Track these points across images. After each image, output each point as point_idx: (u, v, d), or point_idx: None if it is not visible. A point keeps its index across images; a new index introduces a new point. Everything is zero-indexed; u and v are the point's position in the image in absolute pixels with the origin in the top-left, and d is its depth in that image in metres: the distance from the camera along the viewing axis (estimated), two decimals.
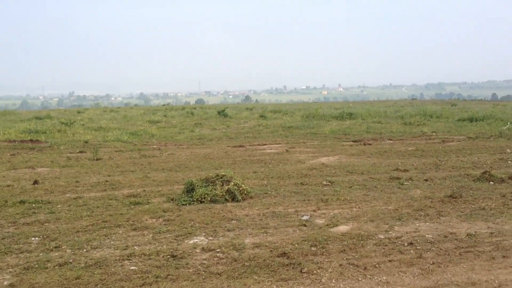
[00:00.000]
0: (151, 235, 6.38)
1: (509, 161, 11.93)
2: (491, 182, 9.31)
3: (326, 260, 5.39)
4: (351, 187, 9.23)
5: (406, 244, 5.88)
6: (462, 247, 5.73)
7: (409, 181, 9.66)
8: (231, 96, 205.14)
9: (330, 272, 5.01)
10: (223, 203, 8.04)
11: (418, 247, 5.75)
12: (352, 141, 17.13)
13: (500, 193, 8.45)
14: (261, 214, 7.33)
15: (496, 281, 4.74)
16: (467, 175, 10.18)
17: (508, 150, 13.83)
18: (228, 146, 16.28)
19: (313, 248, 5.76)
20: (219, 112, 30.15)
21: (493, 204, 7.71)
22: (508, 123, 22.13)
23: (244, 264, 5.28)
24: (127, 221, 7.02)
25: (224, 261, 5.42)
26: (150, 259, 5.47)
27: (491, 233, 6.26)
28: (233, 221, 6.98)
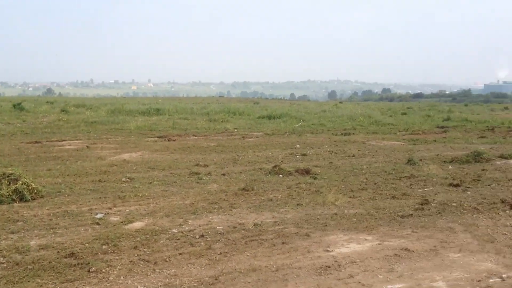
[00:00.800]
0: None
1: (297, 156, 13.10)
2: (280, 175, 10.11)
3: (117, 257, 5.32)
4: (150, 183, 9.24)
5: (197, 236, 6.09)
6: (248, 237, 6.12)
7: (208, 176, 10.02)
8: (31, 89, 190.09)
9: (119, 269, 4.96)
10: (9, 203, 7.41)
11: (208, 239, 6.00)
12: (157, 137, 17.17)
13: (287, 185, 9.23)
14: (51, 214, 6.94)
15: (275, 266, 5.17)
16: (261, 169, 10.91)
17: (298, 146, 15.17)
18: (22, 142, 15.05)
19: (104, 247, 5.64)
20: (14, 105, 27.61)
21: (280, 196, 8.39)
22: (301, 120, 24.32)
23: (27, 267, 4.94)
24: None
25: (5, 265, 5.01)
26: None
27: (275, 222, 6.81)
28: (19, 223, 6.49)
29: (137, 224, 6.55)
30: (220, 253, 5.51)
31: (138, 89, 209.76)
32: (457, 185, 9.28)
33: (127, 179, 9.46)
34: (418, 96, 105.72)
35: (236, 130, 20.19)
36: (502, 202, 7.97)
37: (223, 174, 10.25)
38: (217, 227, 6.48)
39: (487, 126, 23.25)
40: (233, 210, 7.42)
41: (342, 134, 19.26)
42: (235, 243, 5.87)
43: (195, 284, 4.70)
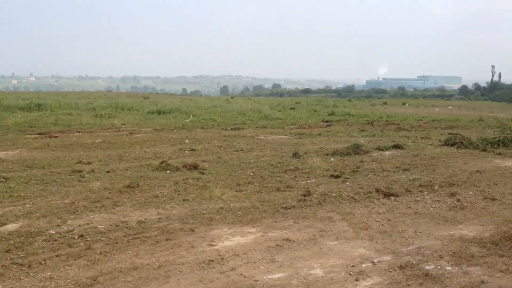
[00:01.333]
0: None
1: (186, 151, 13.03)
2: (168, 171, 10.00)
3: None
4: (27, 182, 8.71)
5: (76, 237, 5.85)
6: (131, 235, 5.99)
7: (91, 174, 9.65)
8: None
9: None
10: None
11: (88, 239, 5.78)
12: (38, 134, 16.21)
13: (173, 180, 9.14)
14: None
15: (157, 263, 5.10)
16: (148, 165, 10.71)
17: (187, 141, 15.09)
18: None
19: None
20: None
21: (166, 192, 8.29)
22: (191, 116, 24.21)
23: None
24: None
25: None
26: None
27: (160, 218, 6.72)
28: None
29: (11, 226, 6.15)
30: (100, 253, 5.34)
31: (19, 83, 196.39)
32: (337, 176, 9.76)
33: (2, 179, 8.83)
34: (307, 91, 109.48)
35: (123, 126, 19.63)
36: (377, 191, 8.51)
37: (108, 172, 9.93)
38: (98, 226, 6.27)
39: (367, 120, 24.66)
40: (116, 208, 7.21)
41: (231, 129, 19.44)
42: (116, 242, 5.71)
43: (72, 286, 4.51)
